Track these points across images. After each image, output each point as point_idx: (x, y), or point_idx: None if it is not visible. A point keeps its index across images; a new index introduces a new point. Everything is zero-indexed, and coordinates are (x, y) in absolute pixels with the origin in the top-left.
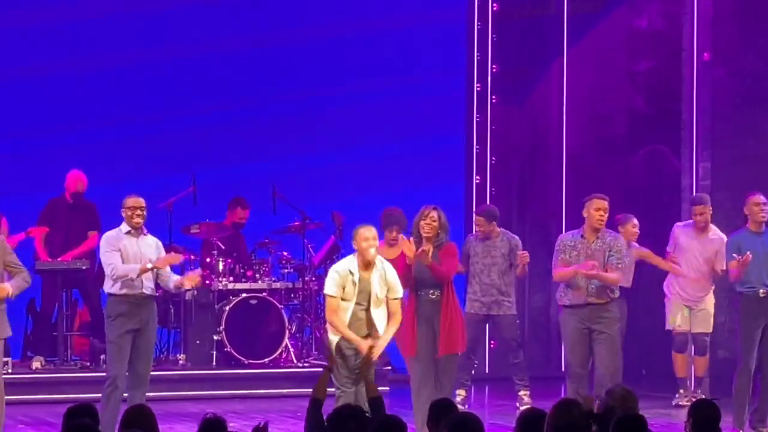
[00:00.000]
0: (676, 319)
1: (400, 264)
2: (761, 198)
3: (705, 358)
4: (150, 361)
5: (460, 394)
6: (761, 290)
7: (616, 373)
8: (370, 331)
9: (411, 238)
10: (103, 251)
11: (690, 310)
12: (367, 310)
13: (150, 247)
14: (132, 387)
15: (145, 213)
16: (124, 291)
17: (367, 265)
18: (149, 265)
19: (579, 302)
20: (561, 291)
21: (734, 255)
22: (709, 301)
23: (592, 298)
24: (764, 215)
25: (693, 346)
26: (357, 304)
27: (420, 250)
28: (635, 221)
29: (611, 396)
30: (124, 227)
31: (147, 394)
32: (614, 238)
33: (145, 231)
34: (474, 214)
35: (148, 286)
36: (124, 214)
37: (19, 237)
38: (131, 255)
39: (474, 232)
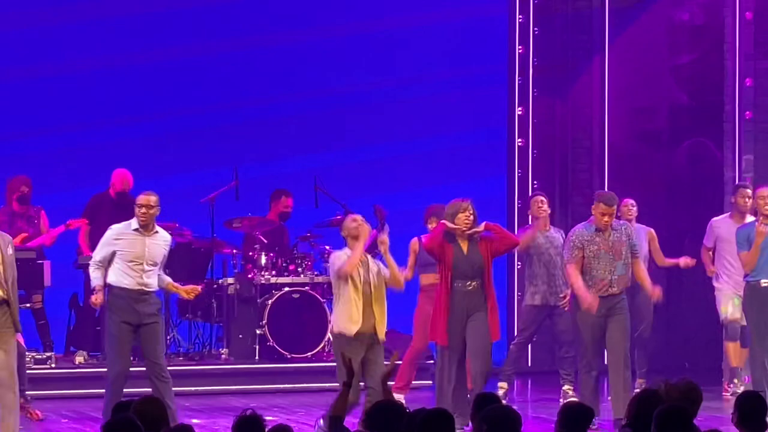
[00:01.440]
0: (728, 309)
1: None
2: (766, 191)
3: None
4: (162, 350)
5: (502, 387)
6: (763, 281)
7: (627, 355)
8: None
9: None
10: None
11: (740, 299)
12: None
13: (158, 246)
14: (155, 377)
15: (152, 211)
16: (122, 284)
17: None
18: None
19: (599, 294)
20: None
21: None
22: None
23: (614, 289)
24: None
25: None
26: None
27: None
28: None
29: (675, 389)
30: (134, 223)
31: (190, 388)
32: (627, 226)
33: (156, 229)
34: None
35: (148, 282)
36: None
37: (59, 229)
38: (133, 253)
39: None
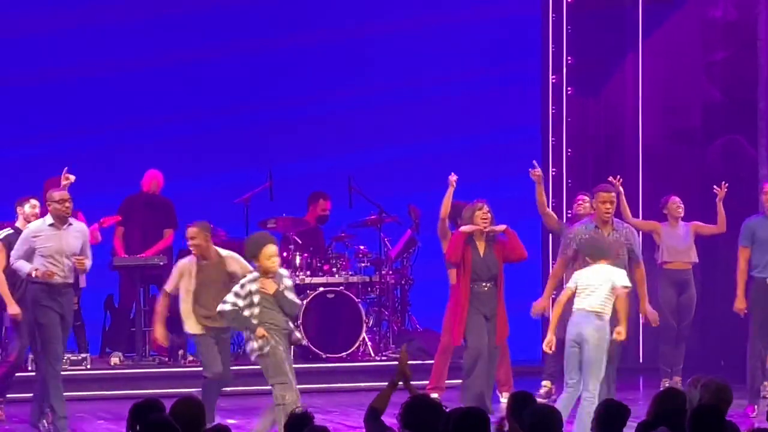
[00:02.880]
0: None
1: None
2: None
3: None
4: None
5: (546, 385)
6: None
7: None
8: None
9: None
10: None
11: None
12: None
13: (75, 238)
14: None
15: (68, 204)
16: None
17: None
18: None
19: None
20: None
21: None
22: None
23: None
24: None
25: None
26: None
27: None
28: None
29: (706, 389)
30: (48, 219)
31: (225, 388)
32: (630, 231)
33: (70, 221)
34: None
35: (69, 275)
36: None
37: (93, 228)
38: (50, 247)
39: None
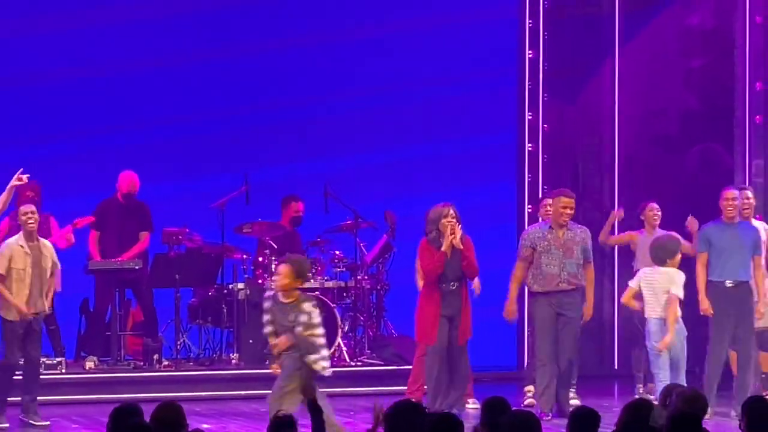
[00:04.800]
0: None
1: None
2: (734, 193)
3: None
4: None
5: (531, 390)
6: (728, 281)
7: (576, 359)
8: None
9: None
10: None
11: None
12: None
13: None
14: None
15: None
16: None
17: None
18: None
19: (550, 288)
20: (531, 278)
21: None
22: None
23: (564, 284)
24: (732, 210)
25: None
26: None
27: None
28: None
29: (681, 398)
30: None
31: (200, 393)
32: (585, 231)
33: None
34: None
35: None
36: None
37: (67, 229)
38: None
39: None
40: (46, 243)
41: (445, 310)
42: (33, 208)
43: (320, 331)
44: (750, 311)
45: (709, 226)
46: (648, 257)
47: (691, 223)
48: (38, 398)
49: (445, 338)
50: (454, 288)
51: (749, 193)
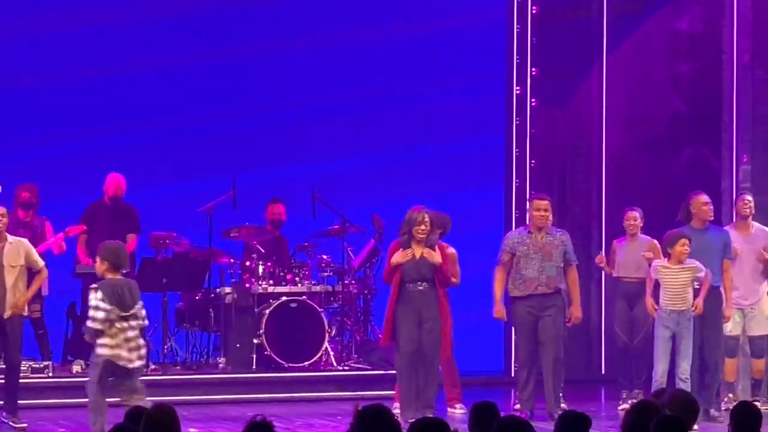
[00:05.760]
0: (728, 325)
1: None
2: (705, 198)
3: (762, 360)
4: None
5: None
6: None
7: (558, 354)
8: None
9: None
10: None
11: (743, 314)
12: None
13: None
14: None
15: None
16: None
17: None
18: None
19: (529, 291)
20: (511, 282)
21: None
22: (765, 303)
23: (542, 287)
24: (711, 214)
25: (750, 349)
26: None
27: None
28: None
29: (674, 401)
30: None
31: (187, 397)
32: (565, 234)
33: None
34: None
35: None
36: None
37: (59, 237)
38: None
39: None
40: (21, 242)
41: (407, 310)
42: (4, 210)
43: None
44: (717, 316)
45: (682, 231)
46: (628, 264)
47: (601, 259)
48: (26, 402)
49: (412, 341)
50: (421, 288)
51: (749, 197)
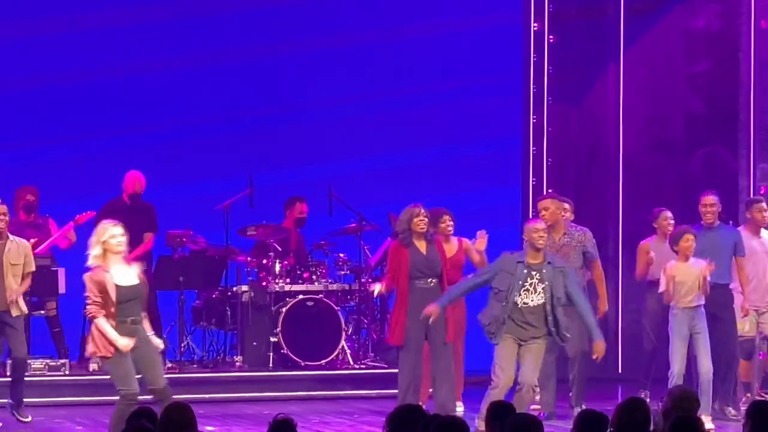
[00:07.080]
0: (744, 326)
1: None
2: (711, 199)
3: None
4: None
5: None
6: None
7: (586, 355)
8: None
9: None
10: None
11: (757, 314)
12: None
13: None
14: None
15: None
16: None
17: None
18: None
19: None
20: None
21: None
22: None
23: None
24: (711, 216)
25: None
26: None
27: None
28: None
29: (670, 397)
30: None
31: (204, 395)
32: (583, 233)
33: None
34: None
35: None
36: None
37: (68, 227)
38: None
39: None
40: (23, 243)
41: (417, 308)
42: (5, 209)
43: None
44: (727, 314)
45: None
46: (661, 265)
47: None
48: (43, 399)
49: (419, 339)
50: (431, 285)
51: (765, 205)
